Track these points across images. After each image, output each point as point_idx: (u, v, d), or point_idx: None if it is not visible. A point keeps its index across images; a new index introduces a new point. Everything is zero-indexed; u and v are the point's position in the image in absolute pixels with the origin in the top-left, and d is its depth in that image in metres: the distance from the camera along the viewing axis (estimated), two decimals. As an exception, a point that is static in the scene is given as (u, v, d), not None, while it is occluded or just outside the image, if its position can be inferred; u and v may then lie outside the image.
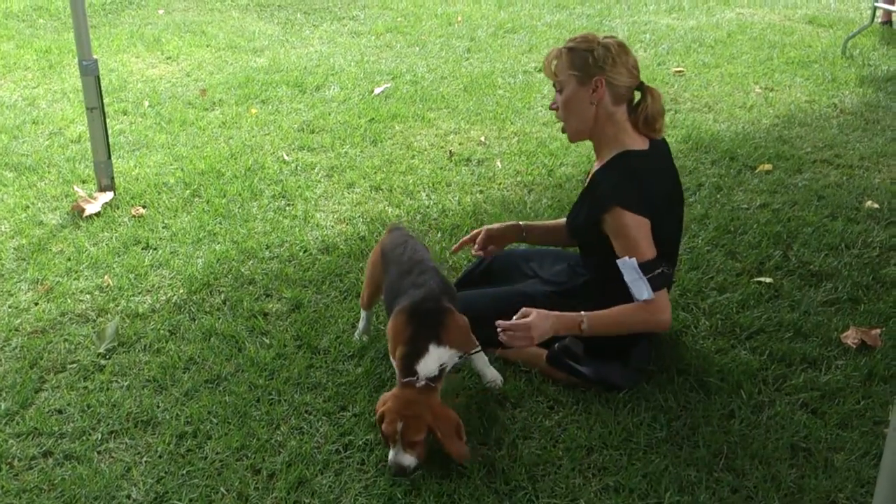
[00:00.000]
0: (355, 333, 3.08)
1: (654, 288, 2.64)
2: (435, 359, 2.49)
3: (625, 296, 2.69)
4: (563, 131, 2.85)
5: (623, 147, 2.73)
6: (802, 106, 5.48)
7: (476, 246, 3.09)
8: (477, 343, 2.72)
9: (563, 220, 3.10)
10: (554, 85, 2.80)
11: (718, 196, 4.19)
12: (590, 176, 2.87)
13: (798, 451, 2.56)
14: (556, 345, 2.81)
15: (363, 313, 3.08)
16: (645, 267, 2.63)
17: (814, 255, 3.62)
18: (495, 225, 3.14)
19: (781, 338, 3.08)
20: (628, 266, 2.63)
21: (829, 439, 2.60)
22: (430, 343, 2.50)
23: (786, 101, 5.57)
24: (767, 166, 4.52)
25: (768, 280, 3.43)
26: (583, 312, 2.69)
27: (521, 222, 3.16)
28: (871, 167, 4.55)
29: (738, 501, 2.38)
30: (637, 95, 2.78)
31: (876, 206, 4.08)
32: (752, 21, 7.56)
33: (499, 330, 2.66)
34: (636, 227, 2.65)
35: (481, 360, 2.77)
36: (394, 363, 2.59)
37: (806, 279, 3.46)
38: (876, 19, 6.69)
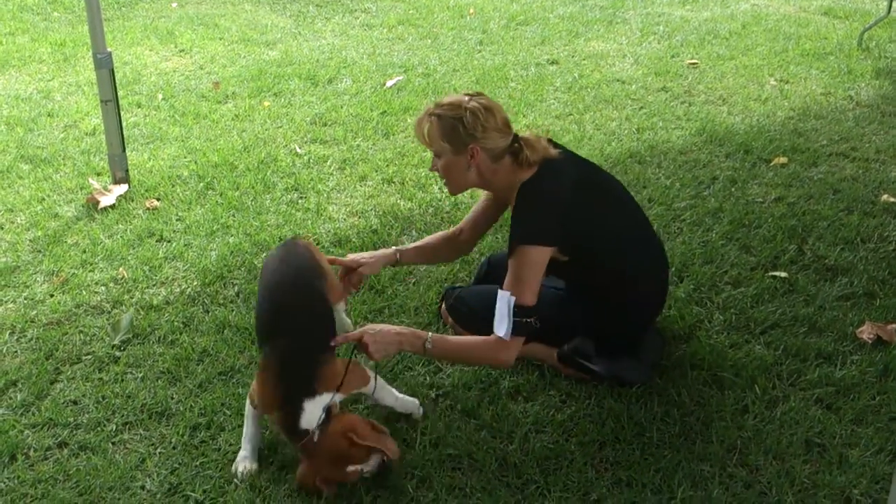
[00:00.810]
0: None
1: (515, 332, 2.56)
2: (315, 409, 2.35)
3: (602, 283, 2.73)
4: (448, 189, 2.82)
5: (519, 182, 2.68)
6: (818, 98, 5.44)
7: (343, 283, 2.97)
8: (369, 377, 2.56)
9: (438, 235, 3.13)
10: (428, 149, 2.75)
11: (733, 189, 4.16)
12: (484, 202, 2.98)
13: (812, 446, 2.55)
14: (566, 344, 2.81)
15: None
16: (518, 309, 2.56)
17: (829, 249, 3.60)
18: (360, 255, 3.03)
19: (796, 333, 3.06)
20: (503, 300, 2.57)
21: (843, 435, 2.59)
22: (303, 401, 2.34)
23: (801, 93, 5.53)
24: (782, 159, 4.49)
25: (783, 274, 3.41)
26: (429, 334, 2.60)
27: (394, 248, 3.08)
28: (887, 160, 4.51)
29: (751, 497, 2.38)
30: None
31: (892, 199, 4.04)
32: (767, 12, 7.50)
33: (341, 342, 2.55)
34: (532, 266, 2.59)
35: (387, 395, 2.61)
36: (270, 421, 2.51)
37: (821, 273, 3.44)
38: (893, 11, 6.62)
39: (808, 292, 3.30)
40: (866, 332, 3.04)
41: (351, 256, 3.00)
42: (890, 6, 6.52)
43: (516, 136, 2.70)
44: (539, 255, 2.60)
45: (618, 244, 2.78)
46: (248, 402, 2.52)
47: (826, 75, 5.85)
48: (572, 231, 2.65)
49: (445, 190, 4.08)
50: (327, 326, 2.54)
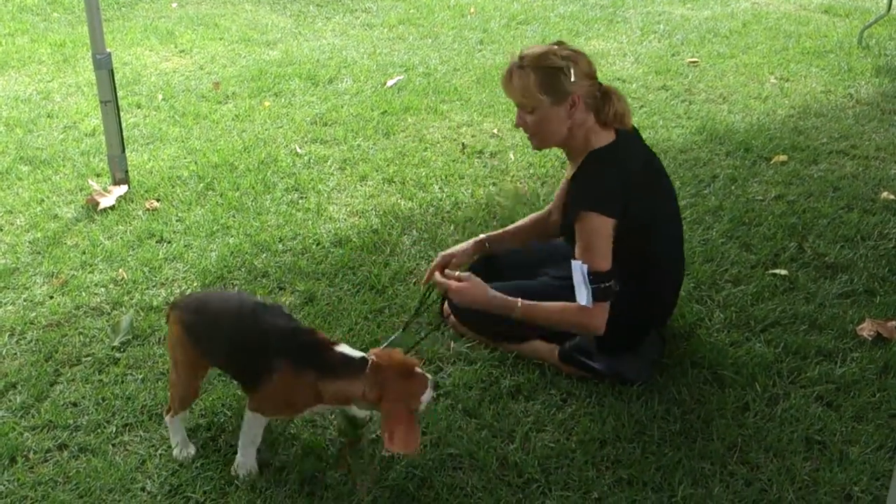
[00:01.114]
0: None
1: (596, 298, 2.60)
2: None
3: (627, 269, 2.70)
4: (532, 142, 2.78)
5: (590, 148, 2.70)
6: (818, 96, 5.43)
7: (428, 276, 2.99)
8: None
9: (530, 217, 3.14)
10: (519, 104, 2.71)
11: (733, 188, 4.16)
12: (567, 176, 2.88)
13: (813, 443, 2.55)
14: (568, 343, 2.81)
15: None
16: (594, 276, 2.59)
17: (829, 246, 3.59)
18: (452, 249, 3.09)
19: (796, 330, 3.06)
20: (577, 269, 2.60)
21: (844, 432, 2.59)
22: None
23: (801, 91, 5.53)
24: (782, 157, 4.49)
25: (783, 272, 3.41)
26: (520, 300, 2.69)
27: (482, 235, 3.12)
28: (887, 158, 4.51)
29: (752, 494, 2.38)
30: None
31: (892, 197, 4.04)
32: (767, 11, 7.50)
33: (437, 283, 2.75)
34: (599, 232, 2.61)
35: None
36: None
37: (821, 271, 3.43)
38: (893, 9, 6.61)
39: (809, 290, 3.30)
40: (866, 330, 3.04)
41: (441, 254, 3.05)
42: (890, 4, 6.51)
43: (601, 85, 2.72)
44: (601, 224, 2.61)
45: (658, 235, 2.79)
46: (251, 414, 2.44)
47: (826, 73, 5.85)
48: (631, 210, 2.66)
49: (448, 189, 4.08)
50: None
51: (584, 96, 2.65)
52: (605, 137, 2.71)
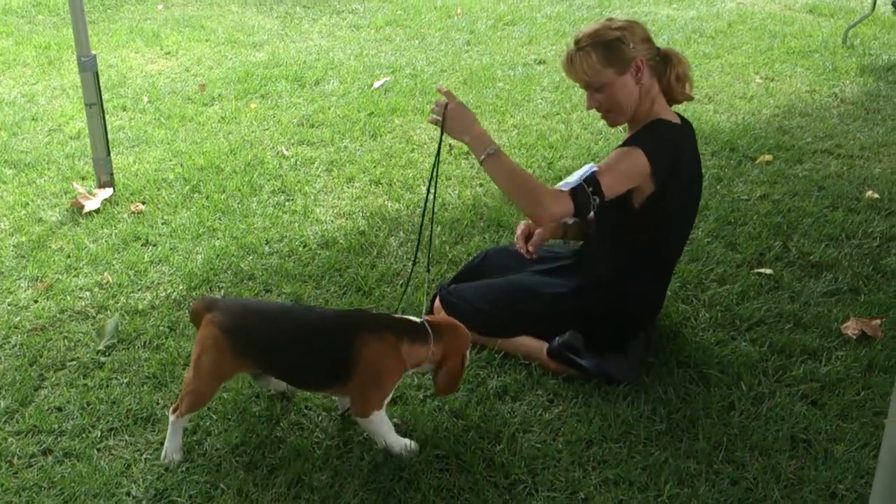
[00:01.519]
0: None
1: (573, 191, 2.54)
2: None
3: (632, 256, 2.74)
4: (608, 120, 2.80)
5: (654, 115, 2.73)
6: (803, 96, 5.46)
7: (519, 243, 3.04)
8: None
9: None
10: (587, 86, 2.73)
11: (718, 187, 4.18)
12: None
13: (798, 442, 2.56)
14: (557, 339, 2.82)
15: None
16: (592, 181, 2.54)
17: (814, 245, 3.61)
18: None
19: (781, 329, 3.07)
20: (587, 168, 2.59)
21: (828, 430, 2.60)
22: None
23: (786, 91, 5.55)
24: (768, 157, 4.51)
25: (768, 271, 3.43)
26: (496, 145, 2.59)
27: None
28: (871, 157, 4.53)
29: (737, 493, 2.38)
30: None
31: (876, 196, 4.06)
32: (752, 11, 7.53)
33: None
34: (632, 163, 2.60)
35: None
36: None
37: (806, 270, 3.45)
38: (877, 8, 6.65)
39: (794, 289, 3.31)
40: (851, 328, 3.05)
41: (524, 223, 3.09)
42: (874, 4, 6.55)
43: (659, 48, 2.75)
44: (639, 161, 2.60)
45: (675, 230, 2.81)
46: (366, 419, 2.46)
47: (811, 73, 5.88)
48: (668, 188, 2.67)
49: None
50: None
51: (646, 60, 2.68)
52: (670, 115, 2.75)
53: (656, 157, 2.62)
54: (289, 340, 2.46)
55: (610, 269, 2.86)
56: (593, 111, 2.81)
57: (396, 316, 2.53)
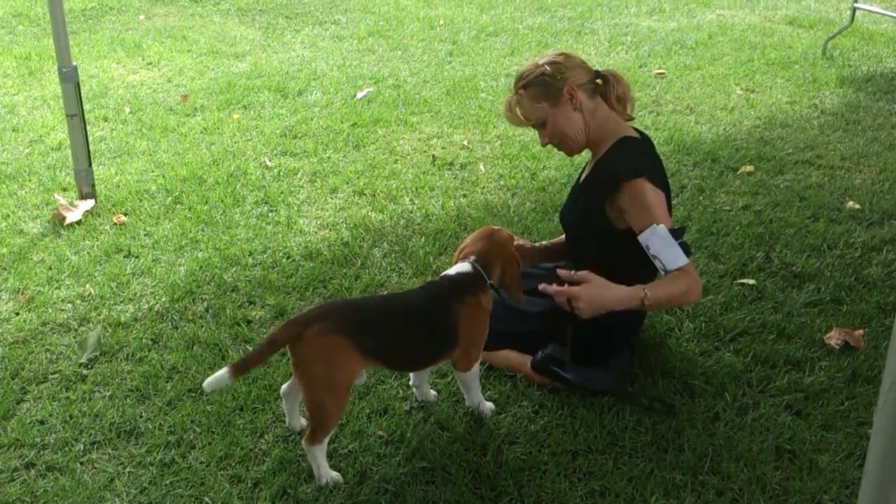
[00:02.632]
0: None
1: (688, 254, 2.57)
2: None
3: (617, 274, 2.68)
4: (564, 150, 2.83)
5: (621, 134, 2.75)
6: (783, 107, 5.51)
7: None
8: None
9: (558, 239, 3.12)
10: (532, 126, 2.81)
11: (701, 198, 4.20)
12: (587, 169, 2.88)
13: (783, 452, 2.57)
14: (541, 352, 2.81)
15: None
16: (675, 233, 2.56)
17: (796, 256, 3.64)
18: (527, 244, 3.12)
19: (765, 339, 3.09)
20: (658, 234, 2.52)
21: (813, 441, 2.61)
22: None
23: (767, 102, 5.60)
24: (749, 168, 4.54)
25: (751, 282, 3.45)
26: (642, 286, 2.55)
27: (545, 242, 3.15)
28: (852, 168, 4.58)
29: (723, 504, 2.39)
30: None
31: (857, 206, 4.10)
32: (732, 22, 7.60)
33: (554, 295, 2.54)
34: (656, 197, 2.60)
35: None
36: None
37: (789, 280, 3.47)
38: (856, 20, 6.73)
39: (777, 299, 3.33)
40: (834, 338, 3.07)
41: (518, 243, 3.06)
42: (853, 15, 6.62)
43: (598, 71, 2.77)
44: (649, 188, 2.58)
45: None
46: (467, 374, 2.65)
47: (791, 84, 5.93)
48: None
49: (419, 201, 4.08)
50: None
51: (579, 85, 2.70)
52: (632, 132, 2.77)
53: (650, 174, 2.63)
54: (400, 328, 2.50)
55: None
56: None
57: (458, 273, 2.60)
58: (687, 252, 2.58)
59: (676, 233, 2.59)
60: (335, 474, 2.46)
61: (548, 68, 2.70)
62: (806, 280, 3.47)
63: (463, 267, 2.61)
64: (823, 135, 5.03)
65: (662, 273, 2.59)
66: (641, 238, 2.56)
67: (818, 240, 3.77)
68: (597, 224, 2.74)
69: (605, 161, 2.76)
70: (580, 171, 3.02)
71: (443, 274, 2.64)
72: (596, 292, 2.53)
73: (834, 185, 4.34)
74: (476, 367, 2.66)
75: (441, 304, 2.55)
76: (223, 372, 2.32)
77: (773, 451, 2.57)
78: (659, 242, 2.53)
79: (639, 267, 2.74)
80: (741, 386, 2.85)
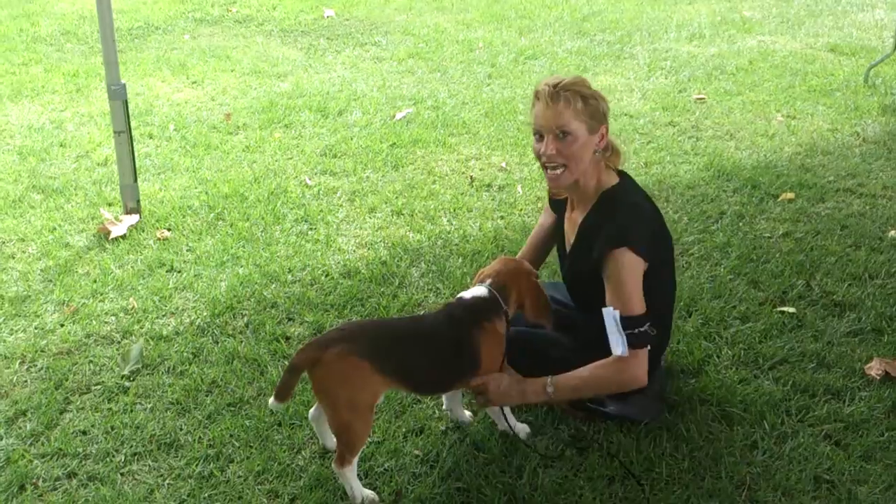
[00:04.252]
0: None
1: (632, 345, 2.53)
2: None
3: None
4: (555, 178, 2.65)
5: (602, 186, 2.69)
6: (825, 134, 5.47)
7: None
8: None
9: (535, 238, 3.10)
10: (556, 131, 2.61)
11: (741, 224, 4.18)
12: (575, 227, 2.79)
13: (821, 483, 2.54)
14: None
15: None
16: (628, 321, 2.52)
17: (837, 284, 3.60)
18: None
19: (804, 368, 3.06)
20: (609, 316, 2.54)
21: (852, 471, 2.58)
22: None
23: (808, 129, 5.57)
24: (790, 195, 4.51)
25: (791, 310, 3.42)
26: (548, 378, 2.60)
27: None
28: (894, 196, 4.53)
29: (761, 534, 2.36)
30: None
31: (899, 235, 4.06)
32: (773, 49, 7.56)
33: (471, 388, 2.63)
34: (631, 271, 2.56)
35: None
36: None
37: (829, 309, 3.44)
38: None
39: (817, 328, 3.30)
40: (874, 369, 3.04)
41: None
42: (896, 43, 6.56)
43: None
44: (633, 262, 2.56)
45: (666, 272, 2.78)
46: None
47: (832, 111, 5.89)
48: (654, 247, 2.64)
49: (457, 221, 4.09)
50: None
51: (606, 132, 2.67)
52: (612, 177, 2.72)
53: (640, 242, 2.57)
54: (420, 349, 2.52)
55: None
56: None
57: (472, 297, 2.62)
58: (638, 342, 2.53)
59: (636, 320, 2.53)
60: (370, 493, 2.47)
61: (602, 104, 2.64)
62: (847, 309, 3.44)
63: (479, 290, 2.63)
64: (865, 163, 4.98)
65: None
66: (604, 312, 2.56)
67: (859, 268, 3.73)
68: (600, 286, 2.65)
69: (596, 219, 2.68)
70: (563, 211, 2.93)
71: (458, 296, 2.65)
72: (504, 386, 2.61)
73: (876, 214, 4.30)
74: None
75: (461, 328, 2.55)
76: (271, 401, 2.40)
77: (812, 480, 2.54)
78: (610, 324, 2.55)
79: (656, 298, 2.68)
80: (780, 415, 2.82)
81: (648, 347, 2.57)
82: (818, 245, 3.95)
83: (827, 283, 3.62)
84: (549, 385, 2.59)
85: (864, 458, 2.64)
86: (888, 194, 4.55)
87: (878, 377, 3.00)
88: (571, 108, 2.59)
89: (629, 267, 2.55)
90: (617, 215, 2.63)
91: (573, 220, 2.81)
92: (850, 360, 3.10)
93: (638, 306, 2.55)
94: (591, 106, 2.61)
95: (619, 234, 2.57)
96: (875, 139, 5.37)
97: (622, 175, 2.75)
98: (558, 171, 2.64)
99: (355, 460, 2.43)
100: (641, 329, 2.53)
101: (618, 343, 2.53)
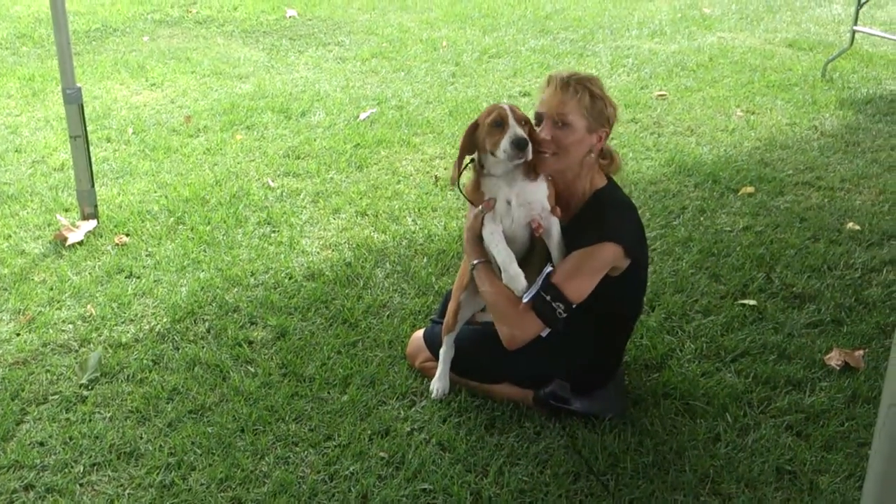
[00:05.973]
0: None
1: (536, 306, 2.54)
2: None
3: (606, 339, 2.73)
4: (542, 163, 2.63)
5: (593, 187, 2.71)
6: (783, 129, 5.53)
7: None
8: None
9: None
10: (556, 118, 2.62)
11: (702, 219, 4.21)
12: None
13: (784, 473, 2.57)
14: (542, 390, 2.78)
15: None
16: (553, 289, 2.52)
17: (796, 277, 3.64)
18: None
19: (766, 360, 3.09)
20: (542, 274, 2.56)
21: (814, 462, 2.60)
22: None
23: (767, 123, 5.62)
24: (749, 189, 4.55)
25: (752, 302, 3.45)
26: (480, 261, 2.67)
27: None
28: (851, 189, 4.59)
29: (724, 526, 2.38)
30: None
31: (857, 227, 4.11)
32: (733, 45, 7.64)
33: None
34: (598, 265, 2.56)
35: None
36: None
37: (789, 301, 3.47)
38: (855, 42, 6.77)
39: (777, 320, 3.33)
40: (834, 359, 3.07)
41: None
42: (853, 38, 6.66)
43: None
44: (611, 254, 2.56)
45: (644, 272, 2.80)
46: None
47: (791, 106, 5.96)
48: (641, 246, 2.69)
49: (422, 221, 4.08)
50: None
51: (605, 137, 2.68)
52: (603, 180, 2.73)
53: (625, 238, 2.59)
54: None
55: (581, 340, 2.76)
56: None
57: None
58: (543, 310, 2.53)
59: (560, 296, 2.52)
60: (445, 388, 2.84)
61: (610, 109, 2.65)
62: (806, 301, 3.47)
63: None
64: (823, 156, 5.05)
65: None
66: (546, 266, 2.59)
67: (818, 261, 3.77)
68: None
69: (593, 215, 2.67)
70: None
71: None
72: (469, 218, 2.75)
73: (834, 207, 4.35)
74: None
75: None
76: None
77: (774, 471, 2.57)
78: (539, 278, 2.57)
79: (628, 302, 2.75)
80: (742, 407, 2.84)
81: (541, 326, 2.56)
82: (778, 238, 3.99)
83: (787, 275, 3.65)
84: (476, 265, 2.68)
85: (825, 448, 2.67)
86: (846, 187, 4.61)
87: (838, 367, 3.04)
88: (577, 100, 2.61)
89: (601, 260, 2.57)
90: (611, 212, 2.67)
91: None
92: (811, 352, 3.13)
93: (575, 292, 2.54)
94: (597, 106, 2.63)
95: (605, 227, 2.60)
96: (833, 133, 5.44)
97: (609, 178, 2.77)
98: (544, 158, 2.63)
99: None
100: (556, 304, 2.53)
101: (531, 293, 2.54)
